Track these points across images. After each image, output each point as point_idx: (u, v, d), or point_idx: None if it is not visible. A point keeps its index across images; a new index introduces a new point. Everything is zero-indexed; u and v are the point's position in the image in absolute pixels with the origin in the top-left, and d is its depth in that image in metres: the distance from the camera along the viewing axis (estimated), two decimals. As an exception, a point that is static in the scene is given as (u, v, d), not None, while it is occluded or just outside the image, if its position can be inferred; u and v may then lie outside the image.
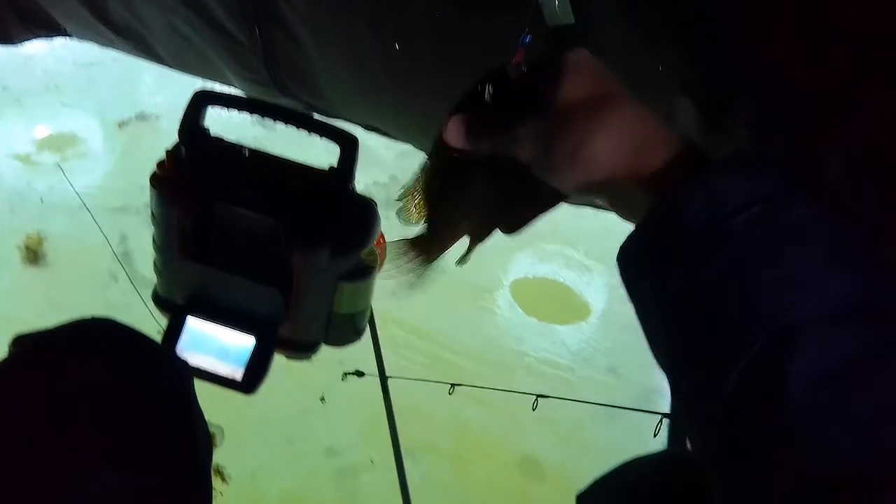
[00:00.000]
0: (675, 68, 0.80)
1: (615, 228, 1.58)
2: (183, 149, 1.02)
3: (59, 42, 1.42)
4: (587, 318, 2.15)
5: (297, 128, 1.00)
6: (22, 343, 0.83)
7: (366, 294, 1.14)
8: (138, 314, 1.07)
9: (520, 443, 1.88)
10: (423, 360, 1.85)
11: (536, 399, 1.45)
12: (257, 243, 1.02)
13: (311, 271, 1.04)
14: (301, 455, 1.68)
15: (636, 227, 0.56)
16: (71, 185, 2.12)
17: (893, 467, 0.43)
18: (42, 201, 2.18)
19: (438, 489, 1.65)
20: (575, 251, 2.23)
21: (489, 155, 0.65)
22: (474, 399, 1.77)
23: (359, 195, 1.04)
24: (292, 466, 1.64)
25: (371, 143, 0.93)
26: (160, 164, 1.03)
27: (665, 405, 1.53)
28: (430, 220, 0.72)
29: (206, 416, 0.87)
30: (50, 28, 1.48)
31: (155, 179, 1.02)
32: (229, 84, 1.41)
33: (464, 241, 0.74)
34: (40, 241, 2.06)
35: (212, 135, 1.05)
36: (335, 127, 1.01)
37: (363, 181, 0.96)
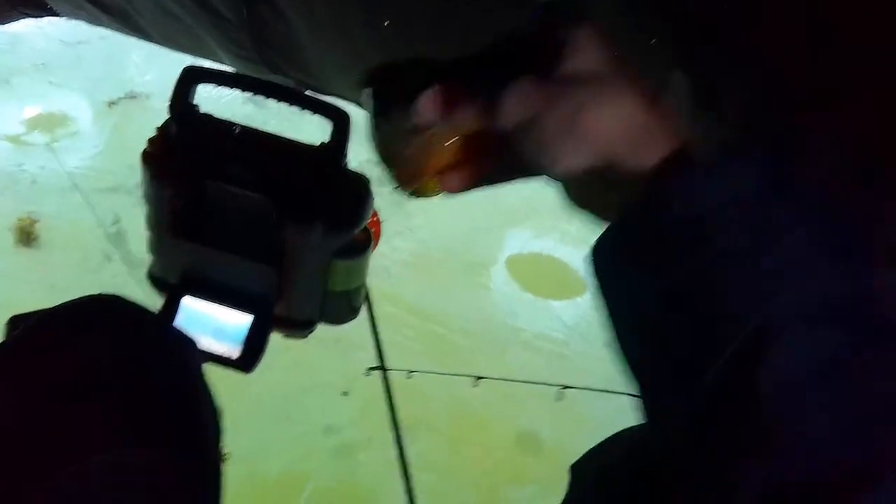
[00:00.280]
0: (668, 42, 0.79)
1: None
2: (173, 125, 1.01)
3: (46, 21, 1.40)
4: (583, 293, 2.15)
5: (288, 104, 0.99)
6: (24, 322, 0.83)
7: (360, 271, 1.14)
8: (132, 294, 1.06)
9: (517, 419, 1.88)
10: (419, 338, 1.85)
11: (561, 390, 1.46)
12: (250, 221, 1.02)
13: (303, 248, 1.03)
14: (300, 433, 1.68)
15: (615, 221, 0.55)
16: (62, 165, 2.11)
17: (869, 469, 0.42)
18: (34, 182, 2.17)
19: (436, 466, 1.65)
20: (570, 226, 2.22)
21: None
22: (471, 376, 1.77)
23: (352, 171, 1.04)
24: (291, 444, 1.65)
25: (363, 121, 0.93)
26: (151, 141, 1.02)
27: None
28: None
29: (204, 395, 0.86)
30: (37, 7, 1.46)
31: (146, 157, 1.01)
32: (220, 62, 1.40)
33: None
34: (33, 222, 2.05)
35: (201, 112, 1.04)
36: (326, 102, 1.00)
37: (356, 159, 0.95)
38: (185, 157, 1.00)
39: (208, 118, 1.04)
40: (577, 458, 0.92)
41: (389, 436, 1.29)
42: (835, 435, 0.43)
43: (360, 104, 0.64)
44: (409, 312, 1.84)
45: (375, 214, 1.10)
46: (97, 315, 0.82)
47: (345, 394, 1.72)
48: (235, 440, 1.71)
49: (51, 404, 0.73)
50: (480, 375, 1.60)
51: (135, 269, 1.86)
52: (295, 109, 1.02)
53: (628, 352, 0.56)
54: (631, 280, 0.54)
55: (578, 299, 2.15)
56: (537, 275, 2.21)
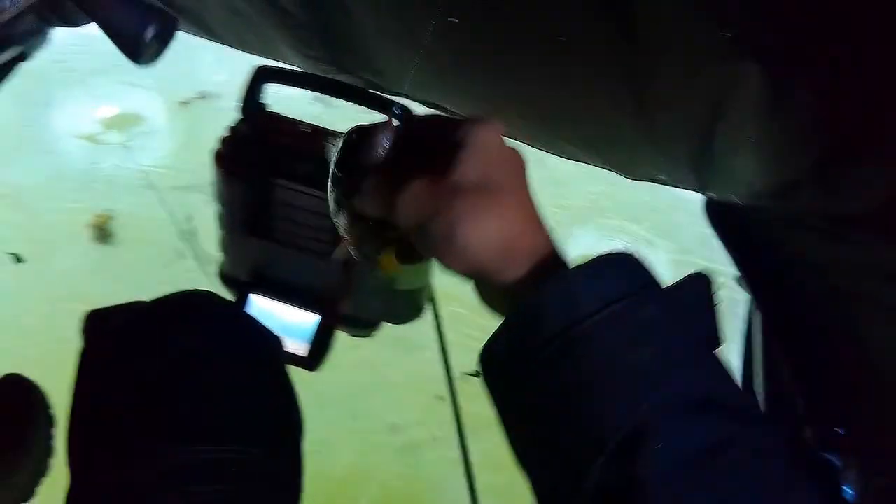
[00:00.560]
0: (742, 35, 0.77)
1: (680, 203, 1.54)
2: (244, 125, 1.03)
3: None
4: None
5: (354, 102, 1.00)
6: (105, 316, 0.86)
7: (425, 271, 1.14)
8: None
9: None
10: (483, 337, 1.84)
11: None
12: (318, 220, 1.03)
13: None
14: (365, 431, 1.69)
15: (498, 328, 0.57)
16: (136, 164, 2.16)
17: None
18: (109, 180, 2.22)
19: (500, 466, 1.64)
20: (639, 226, 2.18)
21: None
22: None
23: (419, 171, 1.03)
24: (356, 442, 1.66)
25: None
26: (222, 141, 1.04)
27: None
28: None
29: (270, 392, 0.88)
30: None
31: (217, 156, 1.03)
32: (289, 63, 1.42)
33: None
34: (108, 219, 2.10)
35: (271, 111, 1.06)
36: (392, 101, 1.01)
37: None
38: (256, 157, 1.02)
39: (278, 117, 1.06)
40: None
41: (454, 435, 1.28)
42: None
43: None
44: (473, 312, 1.83)
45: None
46: (195, 311, 0.85)
47: (409, 390, 1.72)
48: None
49: (159, 393, 0.75)
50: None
51: (206, 266, 1.89)
52: (362, 108, 1.03)
53: (519, 451, 0.58)
54: (515, 383, 0.56)
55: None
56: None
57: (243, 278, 1.16)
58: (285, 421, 0.85)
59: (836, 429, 0.87)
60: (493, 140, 0.60)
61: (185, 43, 1.58)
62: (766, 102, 0.81)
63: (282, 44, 1.33)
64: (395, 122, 0.63)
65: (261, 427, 0.80)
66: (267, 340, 0.90)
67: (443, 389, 1.34)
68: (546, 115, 1.17)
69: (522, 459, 0.58)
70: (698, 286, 0.59)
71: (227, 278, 1.21)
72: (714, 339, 0.56)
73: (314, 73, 1.37)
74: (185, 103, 2.49)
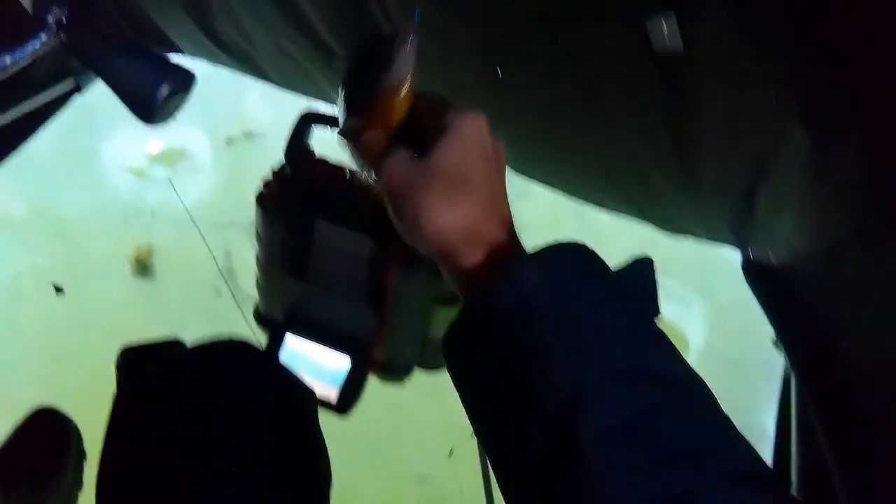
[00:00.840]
0: (789, 98, 0.76)
1: (717, 260, 1.51)
2: (288, 168, 1.04)
3: (171, 57, 1.47)
4: (685, 352, 2.08)
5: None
6: (140, 355, 0.87)
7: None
8: (239, 329, 1.09)
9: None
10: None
11: None
12: (357, 263, 1.03)
13: (407, 292, 1.04)
14: (391, 479, 1.67)
15: (458, 313, 0.62)
16: (181, 199, 2.19)
17: (679, 499, 0.48)
18: (153, 215, 2.26)
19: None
20: (675, 282, 2.15)
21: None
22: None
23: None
24: (382, 491, 1.64)
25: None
26: (266, 184, 1.05)
27: (767, 450, 1.45)
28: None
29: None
30: (164, 45, 1.54)
31: (261, 198, 1.04)
32: (333, 102, 1.44)
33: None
34: (150, 253, 2.13)
35: (316, 155, 1.07)
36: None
37: None
38: (298, 200, 1.03)
39: (322, 161, 1.07)
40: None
41: (482, 489, 1.26)
42: (649, 476, 0.49)
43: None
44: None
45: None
46: (229, 361, 0.86)
47: (451, 455, 1.70)
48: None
49: (190, 444, 0.76)
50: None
51: (243, 304, 1.90)
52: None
53: (478, 424, 0.61)
54: (472, 362, 0.60)
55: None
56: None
57: (278, 318, 1.16)
58: (313, 473, 0.85)
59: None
60: (477, 131, 0.64)
61: (232, 81, 1.61)
62: (810, 164, 0.81)
63: (327, 85, 1.35)
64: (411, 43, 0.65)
65: (289, 479, 0.80)
66: (300, 392, 0.90)
67: (470, 440, 1.33)
68: (585, 166, 1.17)
69: (482, 437, 0.62)
70: (639, 268, 0.64)
71: (262, 318, 1.21)
72: (653, 314, 0.61)
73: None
74: (230, 141, 2.53)
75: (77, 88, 1.51)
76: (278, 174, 1.05)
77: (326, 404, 1.12)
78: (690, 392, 0.56)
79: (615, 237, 2.03)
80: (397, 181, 0.63)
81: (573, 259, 0.61)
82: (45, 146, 2.00)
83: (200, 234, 2.03)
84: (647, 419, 0.51)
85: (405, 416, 1.73)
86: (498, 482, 0.60)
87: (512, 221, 0.66)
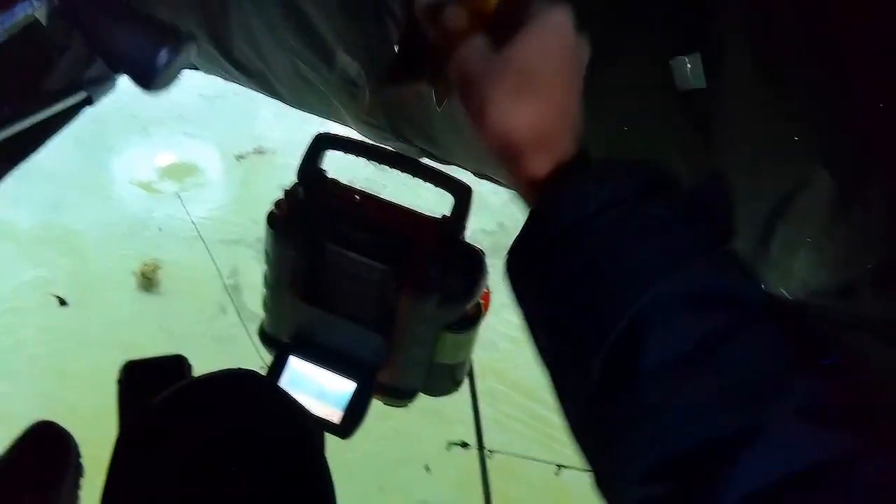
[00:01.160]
0: (811, 139, 0.76)
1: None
2: (301, 190, 1.04)
3: (186, 73, 1.47)
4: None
5: (414, 176, 1.00)
6: (143, 374, 0.86)
7: (467, 345, 1.13)
8: (244, 348, 1.08)
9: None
10: (522, 417, 1.81)
11: None
12: (366, 288, 1.02)
13: (416, 319, 1.03)
14: (391, 506, 1.66)
15: (520, 231, 0.59)
16: (189, 215, 2.19)
17: (743, 433, 0.45)
18: (160, 229, 2.26)
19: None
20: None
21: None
22: (573, 462, 1.71)
23: (468, 245, 1.03)
24: (384, 518, 1.63)
25: (479, 189, 0.92)
26: (277, 204, 1.04)
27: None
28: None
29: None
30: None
31: (271, 219, 1.03)
32: (345, 124, 1.44)
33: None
34: (156, 268, 2.13)
35: (329, 177, 1.06)
36: (450, 176, 1.01)
37: (470, 227, 0.96)
38: (310, 222, 1.02)
39: (334, 184, 1.07)
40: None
41: (484, 516, 1.25)
42: (708, 409, 0.47)
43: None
44: (512, 389, 1.80)
45: (486, 289, 1.09)
46: (237, 395, 0.84)
47: (441, 464, 1.69)
48: None
49: (195, 479, 0.75)
50: (569, 465, 1.53)
51: (248, 322, 1.89)
52: (414, 177, 1.03)
53: (538, 343, 0.59)
54: (532, 278, 0.58)
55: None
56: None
57: (284, 339, 1.15)
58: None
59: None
60: (561, 27, 0.60)
61: (244, 97, 1.62)
62: (829, 205, 0.80)
63: (343, 109, 1.35)
64: None
65: None
66: (308, 428, 0.89)
67: (475, 467, 1.32)
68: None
69: (543, 360, 0.59)
70: (712, 187, 0.59)
71: (267, 337, 1.21)
72: (726, 236, 0.56)
73: (370, 136, 1.39)
74: (241, 157, 2.53)
75: (89, 101, 1.51)
76: (290, 195, 1.04)
77: (329, 427, 1.11)
78: (761, 319, 0.51)
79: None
80: (470, 68, 0.58)
81: (641, 176, 0.56)
82: (54, 158, 2.00)
83: (207, 250, 2.03)
84: (712, 348, 0.49)
85: (406, 441, 1.71)
86: (557, 403, 0.58)
87: (581, 130, 0.60)
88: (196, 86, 2.91)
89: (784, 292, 1.05)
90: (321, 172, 1.05)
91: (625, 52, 0.76)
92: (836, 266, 0.89)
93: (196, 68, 1.58)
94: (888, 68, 0.65)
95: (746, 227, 1.00)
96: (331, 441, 1.08)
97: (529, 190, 0.59)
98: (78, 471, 1.28)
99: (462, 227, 0.99)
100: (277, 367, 1.12)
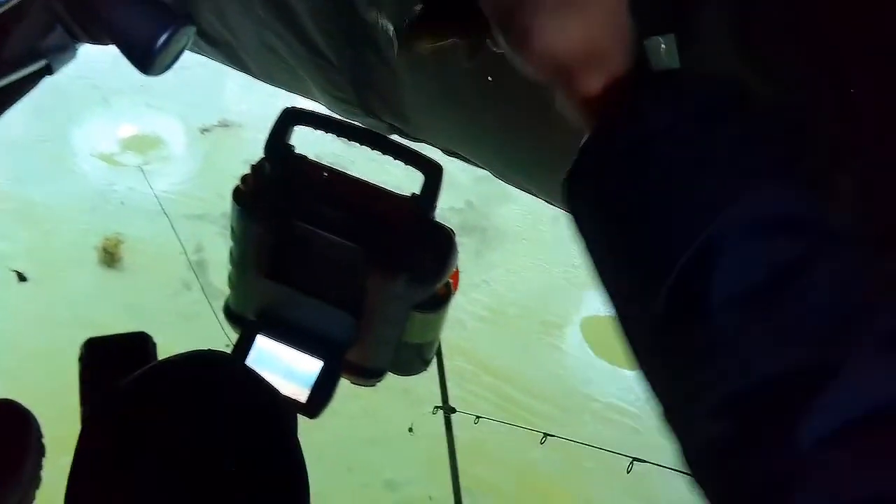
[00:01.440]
0: (786, 112, 0.76)
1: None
2: (267, 165, 1.02)
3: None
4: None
5: (384, 153, 0.99)
6: (103, 351, 0.84)
7: (436, 325, 1.12)
8: (208, 325, 1.07)
9: (584, 491, 1.82)
10: (489, 396, 1.81)
11: (632, 462, 1.41)
12: (334, 266, 1.01)
13: (386, 299, 1.02)
14: (360, 486, 1.66)
15: (577, 153, 0.56)
16: (152, 189, 2.15)
17: (821, 368, 0.43)
18: (123, 203, 2.22)
19: (497, 532, 1.60)
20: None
21: None
22: (539, 441, 1.72)
23: (438, 224, 1.02)
24: (350, 496, 1.62)
25: (448, 167, 0.91)
26: (244, 179, 1.02)
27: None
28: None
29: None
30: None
31: (238, 194, 1.01)
32: (313, 99, 1.41)
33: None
34: (118, 243, 2.09)
35: (296, 153, 1.04)
36: (421, 154, 1.00)
37: (438, 205, 0.95)
38: (277, 198, 1.00)
39: (302, 160, 1.05)
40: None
41: (451, 496, 1.25)
42: (780, 344, 0.45)
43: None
44: (480, 368, 1.81)
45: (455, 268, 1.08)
46: (206, 378, 0.82)
47: (410, 430, 1.69)
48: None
49: (167, 464, 0.73)
50: (549, 440, 1.55)
51: (213, 299, 1.87)
52: (384, 154, 1.02)
53: (600, 271, 0.56)
54: (593, 204, 0.55)
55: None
56: (612, 339, 2.14)
57: (250, 317, 1.14)
58: (293, 491, 0.83)
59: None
60: None
61: (210, 69, 1.59)
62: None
63: (311, 82, 1.33)
64: None
65: (269, 497, 0.77)
66: (280, 409, 0.88)
67: (442, 447, 1.32)
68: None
69: (605, 290, 0.56)
70: (784, 106, 0.57)
71: (233, 315, 1.19)
72: (798, 158, 0.52)
73: (338, 111, 1.37)
74: (205, 130, 2.49)
75: (49, 70, 1.46)
76: (257, 170, 1.02)
77: (296, 406, 1.10)
78: (841, 248, 0.48)
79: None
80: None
81: (708, 91, 0.53)
82: (12, 129, 1.95)
83: (171, 225, 2.00)
84: (787, 277, 0.45)
85: (374, 420, 1.71)
86: (621, 335, 0.55)
87: (633, 43, 0.56)
88: (160, 56, 2.83)
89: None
90: (289, 148, 1.03)
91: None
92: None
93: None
94: (875, 51, 0.65)
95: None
96: (299, 420, 1.07)
97: (588, 111, 0.55)
98: (39, 450, 1.25)
99: (432, 206, 0.98)
100: (244, 346, 1.11)
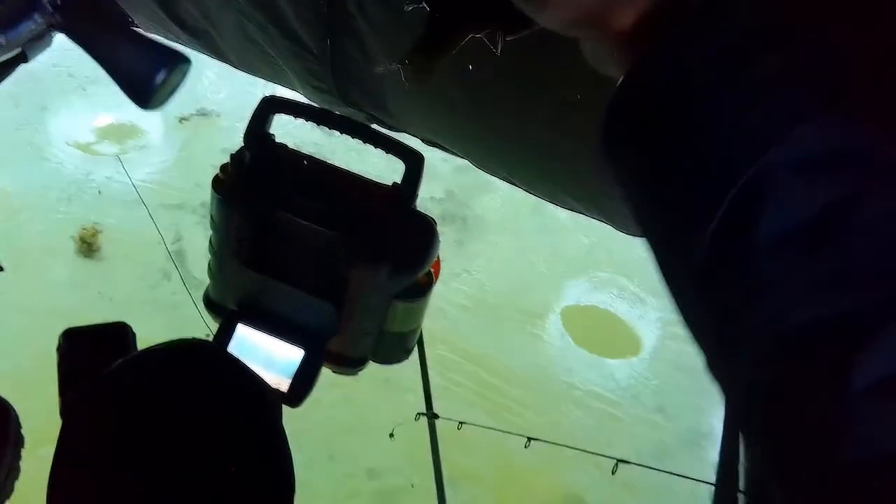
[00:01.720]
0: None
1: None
2: (247, 154, 1.01)
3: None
4: (638, 352, 2.09)
5: (365, 142, 0.98)
6: (83, 343, 0.83)
7: (418, 314, 1.12)
8: (188, 315, 1.06)
9: (564, 480, 1.83)
10: (469, 385, 1.82)
11: (617, 463, 1.42)
12: (315, 255, 1.00)
13: (368, 288, 1.01)
14: (341, 474, 1.66)
15: (614, 93, 0.53)
16: (129, 178, 2.13)
17: (874, 314, 0.40)
18: (100, 193, 2.19)
19: (478, 521, 1.61)
20: (629, 281, 2.17)
21: None
22: (520, 430, 1.73)
23: (420, 214, 1.02)
24: (332, 486, 1.62)
25: (429, 157, 0.91)
26: (223, 168, 1.01)
27: (714, 453, 1.47)
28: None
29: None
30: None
31: (217, 183, 1.00)
32: (292, 88, 1.41)
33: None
34: (95, 233, 2.07)
35: (276, 142, 1.04)
36: (402, 144, 0.99)
37: (419, 195, 0.95)
38: (257, 187, 0.99)
39: (282, 148, 1.04)
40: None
41: (433, 484, 1.25)
42: (832, 286, 0.42)
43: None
44: (461, 357, 1.81)
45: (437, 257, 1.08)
46: (189, 367, 0.82)
47: (391, 436, 1.69)
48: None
49: (150, 453, 0.73)
50: (533, 437, 1.56)
51: (192, 289, 1.86)
52: (364, 143, 1.01)
53: (642, 216, 0.53)
54: (632, 147, 0.52)
55: (633, 359, 2.09)
56: (593, 329, 2.16)
57: (230, 306, 1.13)
58: (279, 480, 0.82)
59: None
60: None
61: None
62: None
63: (291, 72, 1.32)
64: None
65: (255, 486, 0.77)
66: (265, 396, 0.87)
67: (424, 435, 1.32)
68: (552, 167, 1.16)
69: (646, 236, 0.54)
70: (826, 39, 0.52)
71: (213, 304, 1.18)
72: (845, 92, 0.48)
73: (317, 101, 1.36)
74: (184, 119, 2.47)
75: (23, 58, 1.45)
76: (236, 159, 1.02)
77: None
78: (894, 183, 0.45)
79: (573, 235, 2.04)
80: None
81: (750, 20, 0.49)
82: (-12, 117, 1.93)
83: (150, 214, 1.98)
84: (838, 216, 0.43)
85: (355, 409, 1.71)
86: (663, 283, 0.52)
87: None
88: (136, 45, 2.79)
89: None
90: (269, 136, 1.03)
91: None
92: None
93: (136, 26, 1.53)
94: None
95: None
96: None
97: (623, 51, 0.53)
98: (18, 441, 1.24)
99: (414, 195, 0.98)
100: (225, 335, 1.10)
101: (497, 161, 1.25)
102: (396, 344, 1.19)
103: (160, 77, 0.84)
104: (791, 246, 0.43)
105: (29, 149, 2.26)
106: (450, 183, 2.25)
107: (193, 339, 0.84)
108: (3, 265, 1.95)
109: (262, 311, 1.12)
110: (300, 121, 1.00)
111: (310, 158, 1.02)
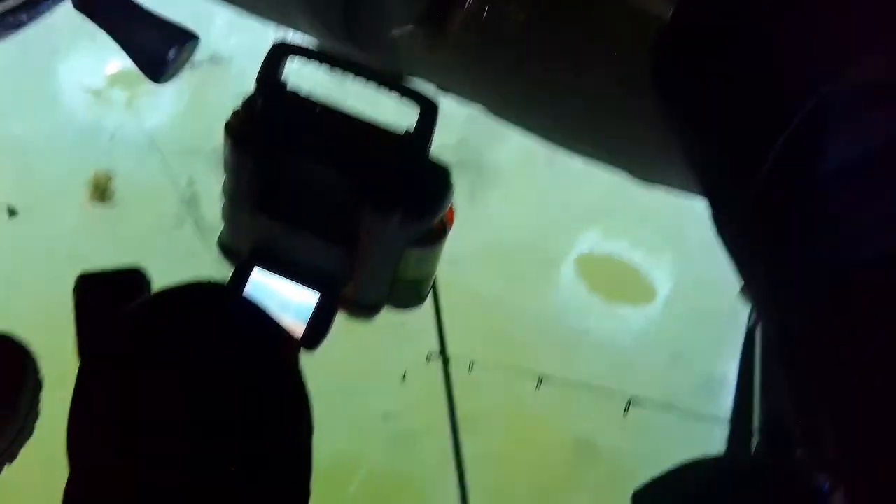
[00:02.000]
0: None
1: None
2: (259, 99, 1.00)
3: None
4: (652, 300, 2.10)
5: (378, 87, 0.97)
6: (143, 302, 0.83)
7: (432, 261, 1.12)
8: (203, 260, 1.06)
9: (576, 423, 1.85)
10: (483, 331, 1.83)
11: (629, 402, 1.43)
12: (329, 201, 1.00)
13: (381, 234, 1.02)
14: (357, 418, 1.68)
15: (666, 24, 0.52)
16: (140, 124, 2.12)
17: None
18: (112, 138, 2.18)
19: (492, 462, 1.63)
20: (644, 230, 2.16)
21: None
22: (533, 375, 1.74)
23: (435, 160, 1.01)
24: (347, 428, 1.64)
25: (442, 103, 0.90)
26: (235, 114, 1.01)
27: (727, 399, 1.48)
28: None
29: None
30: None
31: (229, 129, 1.00)
32: (303, 33, 1.39)
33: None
34: (108, 178, 2.07)
35: (289, 88, 1.03)
36: (416, 90, 0.98)
37: (435, 143, 0.95)
38: (270, 132, 0.99)
39: (294, 95, 1.03)
40: (633, 469, 0.89)
41: (447, 426, 1.27)
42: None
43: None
44: (475, 303, 1.82)
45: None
46: (206, 305, 0.81)
47: (404, 379, 1.70)
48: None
49: (168, 398, 0.73)
50: (543, 375, 1.57)
51: (206, 234, 1.86)
52: (373, 88, 1.00)
53: (697, 152, 0.53)
54: (691, 76, 0.51)
55: (647, 307, 2.09)
56: (607, 277, 2.16)
57: (244, 251, 1.13)
58: (297, 422, 0.83)
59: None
60: None
61: (198, 4, 1.55)
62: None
63: (300, 16, 1.30)
64: None
65: (272, 429, 0.78)
66: (282, 340, 0.87)
67: (438, 379, 1.33)
68: (569, 115, 1.15)
69: (697, 159, 0.54)
70: None
71: (226, 249, 1.19)
72: None
73: (328, 47, 1.34)
74: (194, 65, 2.45)
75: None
76: (248, 104, 1.01)
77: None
78: None
79: (587, 184, 2.02)
80: None
81: None
82: (-1, 63, 1.92)
83: (163, 159, 1.98)
84: None
85: (371, 355, 1.72)
86: (711, 217, 0.52)
87: None
88: (146, -10, 2.76)
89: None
90: (281, 82, 1.02)
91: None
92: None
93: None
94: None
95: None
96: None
97: None
98: (37, 383, 1.26)
99: (428, 142, 0.97)
100: (239, 279, 1.11)
101: (511, 106, 1.23)
102: (411, 290, 1.20)
103: (172, 54, 0.89)
104: (856, 177, 0.42)
105: (40, 95, 2.25)
106: (463, 130, 2.23)
107: (209, 280, 0.84)
108: (17, 210, 1.97)
109: (276, 255, 1.12)
110: (311, 68, 0.99)
111: (322, 104, 1.02)
